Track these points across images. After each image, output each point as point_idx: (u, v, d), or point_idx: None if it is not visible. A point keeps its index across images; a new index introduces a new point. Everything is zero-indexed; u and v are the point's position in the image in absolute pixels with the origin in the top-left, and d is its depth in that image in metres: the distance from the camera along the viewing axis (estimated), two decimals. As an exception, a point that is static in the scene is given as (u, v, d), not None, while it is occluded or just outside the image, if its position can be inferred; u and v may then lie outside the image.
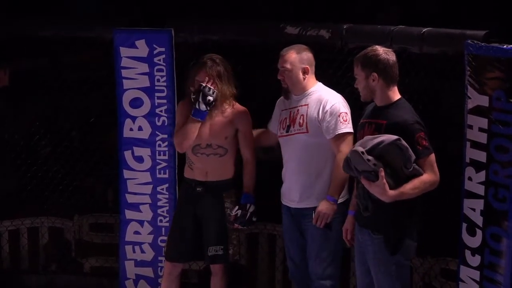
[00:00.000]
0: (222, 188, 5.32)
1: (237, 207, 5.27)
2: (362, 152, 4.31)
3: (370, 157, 4.30)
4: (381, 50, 4.54)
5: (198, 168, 5.30)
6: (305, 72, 5.05)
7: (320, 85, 5.10)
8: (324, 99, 5.01)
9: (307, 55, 5.06)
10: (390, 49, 4.61)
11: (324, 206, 4.95)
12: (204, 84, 5.17)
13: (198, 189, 5.31)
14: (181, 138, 5.28)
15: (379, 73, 4.48)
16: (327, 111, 4.97)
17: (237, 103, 5.31)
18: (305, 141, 5.02)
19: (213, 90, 5.18)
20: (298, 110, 5.07)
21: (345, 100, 5.04)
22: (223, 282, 5.44)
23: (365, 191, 4.45)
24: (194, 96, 5.21)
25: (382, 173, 4.28)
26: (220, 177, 5.31)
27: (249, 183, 5.32)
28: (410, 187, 4.35)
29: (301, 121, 5.04)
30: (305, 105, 5.05)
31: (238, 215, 5.26)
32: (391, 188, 4.32)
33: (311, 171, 5.03)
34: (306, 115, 5.02)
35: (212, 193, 5.30)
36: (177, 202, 5.58)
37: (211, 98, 5.18)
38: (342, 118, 4.96)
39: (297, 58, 5.04)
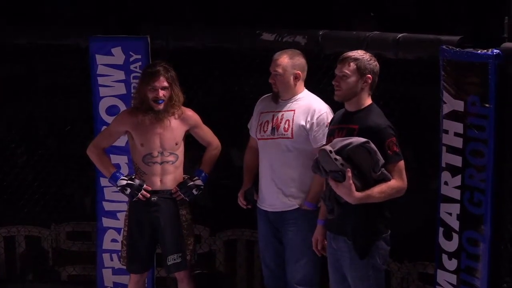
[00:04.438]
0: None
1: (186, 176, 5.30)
2: (330, 151, 4.26)
3: (337, 157, 4.26)
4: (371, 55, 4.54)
5: (150, 177, 5.25)
6: (296, 77, 5.03)
7: (306, 92, 5.08)
8: (312, 108, 4.98)
9: (300, 61, 5.03)
10: None
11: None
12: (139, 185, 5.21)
13: (153, 198, 5.24)
14: (91, 154, 5.30)
15: (373, 77, 4.48)
16: (314, 121, 4.95)
17: (182, 107, 5.28)
18: (288, 146, 4.99)
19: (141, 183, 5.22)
20: (283, 114, 5.04)
21: (331, 109, 5.00)
22: (190, 286, 5.41)
23: (331, 193, 4.41)
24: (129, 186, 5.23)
25: (349, 174, 4.24)
26: (174, 185, 5.27)
27: (207, 163, 5.35)
28: (378, 190, 4.31)
29: (286, 126, 5.02)
30: (291, 110, 5.03)
31: (184, 184, 5.26)
32: (358, 191, 4.28)
33: (293, 175, 5.00)
34: (292, 121, 5.00)
35: (166, 201, 5.26)
36: (129, 211, 5.35)
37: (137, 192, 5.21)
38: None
39: (290, 63, 5.01)
